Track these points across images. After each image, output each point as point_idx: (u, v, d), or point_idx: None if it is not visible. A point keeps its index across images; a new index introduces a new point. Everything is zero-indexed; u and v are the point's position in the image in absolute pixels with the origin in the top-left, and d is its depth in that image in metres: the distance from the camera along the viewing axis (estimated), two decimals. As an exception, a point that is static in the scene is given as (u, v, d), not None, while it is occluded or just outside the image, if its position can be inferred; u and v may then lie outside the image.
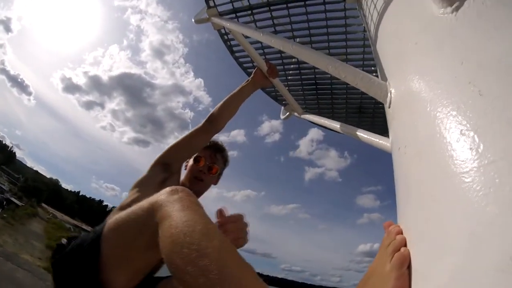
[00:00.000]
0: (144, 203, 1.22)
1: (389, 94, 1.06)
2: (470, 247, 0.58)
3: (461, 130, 0.68)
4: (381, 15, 1.41)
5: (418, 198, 0.80)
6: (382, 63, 1.27)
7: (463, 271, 0.58)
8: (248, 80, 2.46)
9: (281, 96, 3.01)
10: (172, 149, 2.08)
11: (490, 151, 0.62)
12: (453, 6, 0.88)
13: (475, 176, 0.62)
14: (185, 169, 2.21)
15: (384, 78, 1.16)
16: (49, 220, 42.50)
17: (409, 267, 0.80)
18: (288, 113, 3.22)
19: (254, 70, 2.47)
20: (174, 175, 2.06)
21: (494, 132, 0.63)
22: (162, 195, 1.17)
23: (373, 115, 3.06)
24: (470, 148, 0.65)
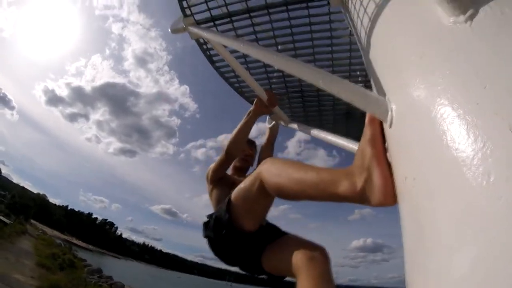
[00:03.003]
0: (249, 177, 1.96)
1: (389, 112, 0.93)
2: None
3: (489, 172, 0.55)
4: (373, 21, 1.27)
5: (435, 247, 0.65)
6: (378, 76, 1.14)
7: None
8: (250, 112, 2.79)
9: (266, 106, 2.88)
10: (214, 174, 2.90)
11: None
12: (466, 15, 0.72)
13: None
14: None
15: (382, 93, 1.04)
16: (38, 237, 42.21)
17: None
18: (274, 123, 3.17)
19: (254, 101, 2.73)
20: (227, 178, 2.99)
21: None
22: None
23: (361, 121, 2.98)
24: (497, 191, 0.52)
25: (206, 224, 2.32)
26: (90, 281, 20.05)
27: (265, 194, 1.75)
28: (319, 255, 1.75)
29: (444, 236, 0.62)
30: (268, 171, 1.67)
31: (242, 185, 2.00)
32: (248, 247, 2.13)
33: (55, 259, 22.67)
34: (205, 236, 2.29)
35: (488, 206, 0.53)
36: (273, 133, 3.35)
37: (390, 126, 0.92)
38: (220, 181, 2.89)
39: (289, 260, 1.82)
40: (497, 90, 0.60)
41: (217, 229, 2.12)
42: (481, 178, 0.55)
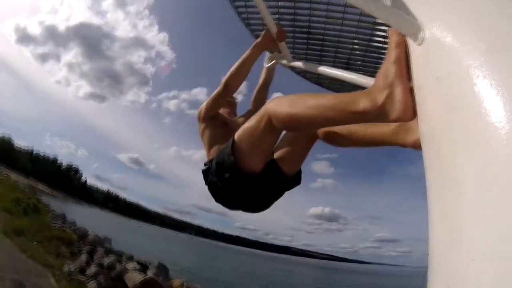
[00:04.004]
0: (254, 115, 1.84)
1: (422, 31, 1.01)
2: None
3: None
4: None
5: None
6: (407, 4, 1.18)
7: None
8: (255, 45, 2.61)
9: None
10: (207, 110, 2.68)
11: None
12: None
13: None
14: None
15: (413, 17, 1.09)
16: (2, 181, 41.46)
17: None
18: (273, 62, 3.07)
19: (262, 33, 2.58)
20: (220, 117, 2.80)
21: None
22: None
23: (358, 71, 2.94)
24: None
25: (206, 171, 2.29)
26: (54, 226, 19.89)
27: (272, 130, 1.74)
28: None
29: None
30: (278, 104, 1.64)
31: (246, 124, 1.92)
32: (259, 188, 2.11)
33: (19, 204, 22.31)
34: (208, 183, 2.24)
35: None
36: (270, 73, 3.25)
37: (421, 43, 1.01)
38: (213, 119, 2.72)
39: (302, 139, 2.11)
40: None
41: (221, 174, 2.06)
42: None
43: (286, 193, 2.35)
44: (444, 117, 0.85)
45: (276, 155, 2.18)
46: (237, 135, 1.97)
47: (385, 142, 1.69)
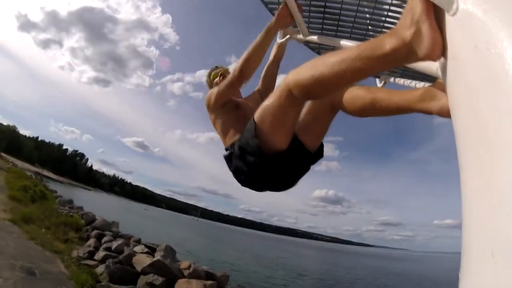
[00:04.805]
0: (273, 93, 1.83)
1: (455, 2, 0.92)
2: None
3: None
4: None
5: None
6: None
7: None
8: (271, 23, 2.47)
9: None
10: (220, 98, 2.52)
11: None
12: None
13: None
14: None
15: None
16: (9, 170, 41.76)
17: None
18: (287, 37, 2.93)
19: (279, 9, 2.48)
20: (231, 101, 2.61)
21: None
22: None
23: None
24: None
25: (229, 157, 2.24)
26: (61, 212, 20.00)
27: (294, 103, 1.70)
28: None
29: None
30: (298, 72, 1.57)
31: (266, 102, 1.84)
32: (286, 167, 2.06)
33: (26, 192, 22.47)
34: (233, 169, 2.20)
35: None
36: (282, 49, 3.07)
37: (454, 14, 0.94)
38: (224, 105, 2.57)
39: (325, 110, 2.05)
40: None
41: (246, 158, 2.02)
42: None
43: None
44: (486, 85, 0.79)
45: (298, 131, 2.08)
46: (258, 116, 1.89)
47: (411, 109, 1.61)
